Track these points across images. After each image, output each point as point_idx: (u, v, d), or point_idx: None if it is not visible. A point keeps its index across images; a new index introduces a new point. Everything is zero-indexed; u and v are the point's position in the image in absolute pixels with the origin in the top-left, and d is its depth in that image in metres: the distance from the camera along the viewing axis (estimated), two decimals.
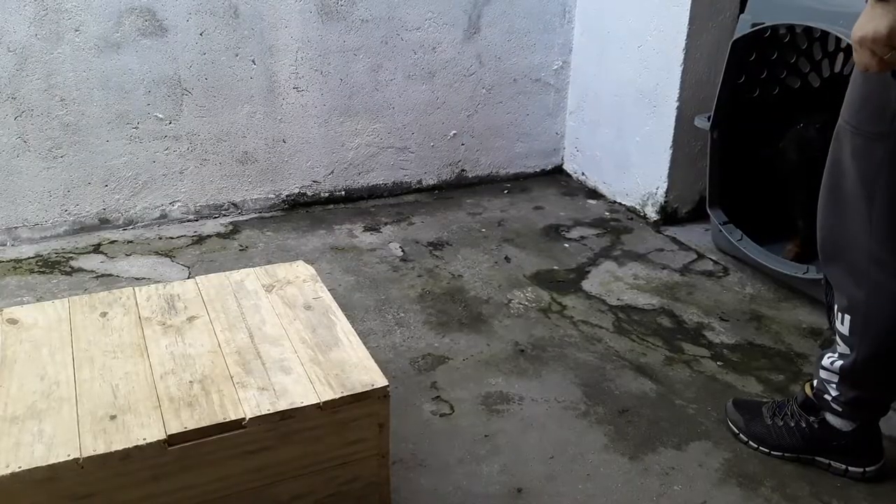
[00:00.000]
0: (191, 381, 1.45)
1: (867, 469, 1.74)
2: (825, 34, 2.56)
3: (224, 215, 3.04)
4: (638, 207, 3.15)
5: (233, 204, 3.05)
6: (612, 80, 3.18)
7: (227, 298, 1.74)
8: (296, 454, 1.44)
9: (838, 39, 2.54)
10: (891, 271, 1.55)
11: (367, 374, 1.51)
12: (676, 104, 2.88)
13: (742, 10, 2.56)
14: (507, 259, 2.77)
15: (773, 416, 1.82)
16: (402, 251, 2.79)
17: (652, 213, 3.08)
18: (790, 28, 2.56)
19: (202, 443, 1.34)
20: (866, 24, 1.29)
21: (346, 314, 1.71)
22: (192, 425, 1.34)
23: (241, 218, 3.04)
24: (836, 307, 1.66)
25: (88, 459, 1.27)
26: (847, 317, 1.62)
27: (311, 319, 1.68)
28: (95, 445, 1.29)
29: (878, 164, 1.49)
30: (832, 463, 1.76)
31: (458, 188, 3.40)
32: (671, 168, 2.97)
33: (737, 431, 1.87)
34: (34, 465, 1.24)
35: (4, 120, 2.62)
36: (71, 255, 2.68)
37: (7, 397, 1.41)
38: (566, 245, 2.90)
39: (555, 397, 2.01)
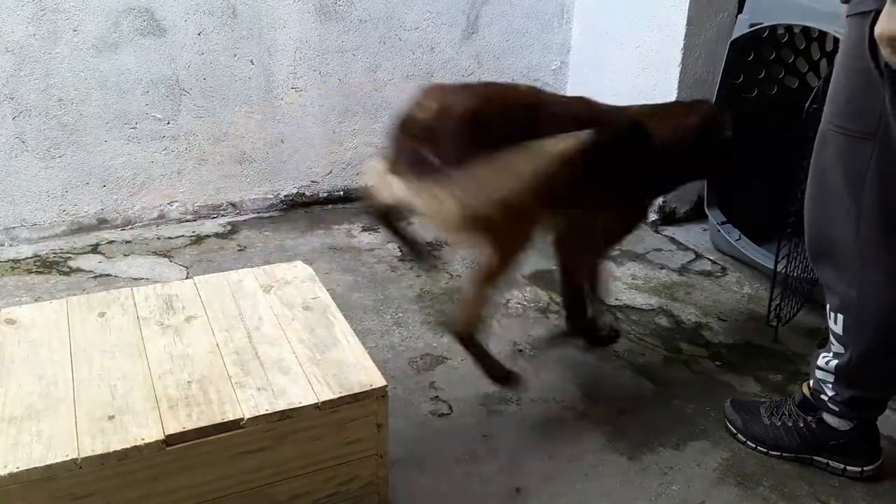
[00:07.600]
0: (189, 382, 1.45)
1: (865, 468, 1.74)
2: (823, 34, 2.56)
3: (222, 215, 3.04)
4: None
5: (231, 204, 3.05)
6: (610, 80, 3.17)
7: (226, 299, 1.74)
8: (294, 454, 1.44)
9: (836, 39, 2.53)
10: (881, 269, 1.55)
11: (365, 374, 1.51)
12: None
13: (740, 10, 2.56)
14: None
15: (770, 416, 1.82)
16: (401, 251, 2.78)
17: (650, 213, 3.08)
18: (788, 28, 2.56)
19: (200, 443, 1.34)
20: (889, 23, 1.30)
21: (344, 314, 1.71)
22: (190, 425, 1.34)
23: (239, 218, 3.03)
24: (828, 307, 1.66)
25: (87, 460, 1.27)
26: (840, 316, 1.62)
27: (309, 319, 1.68)
28: (94, 446, 1.29)
29: (866, 163, 1.48)
30: (830, 462, 1.76)
31: None
32: None
33: (735, 431, 1.87)
34: (32, 466, 1.24)
35: (2, 120, 2.61)
36: (69, 255, 2.68)
37: (5, 397, 1.41)
38: None
39: (553, 397, 2.01)
